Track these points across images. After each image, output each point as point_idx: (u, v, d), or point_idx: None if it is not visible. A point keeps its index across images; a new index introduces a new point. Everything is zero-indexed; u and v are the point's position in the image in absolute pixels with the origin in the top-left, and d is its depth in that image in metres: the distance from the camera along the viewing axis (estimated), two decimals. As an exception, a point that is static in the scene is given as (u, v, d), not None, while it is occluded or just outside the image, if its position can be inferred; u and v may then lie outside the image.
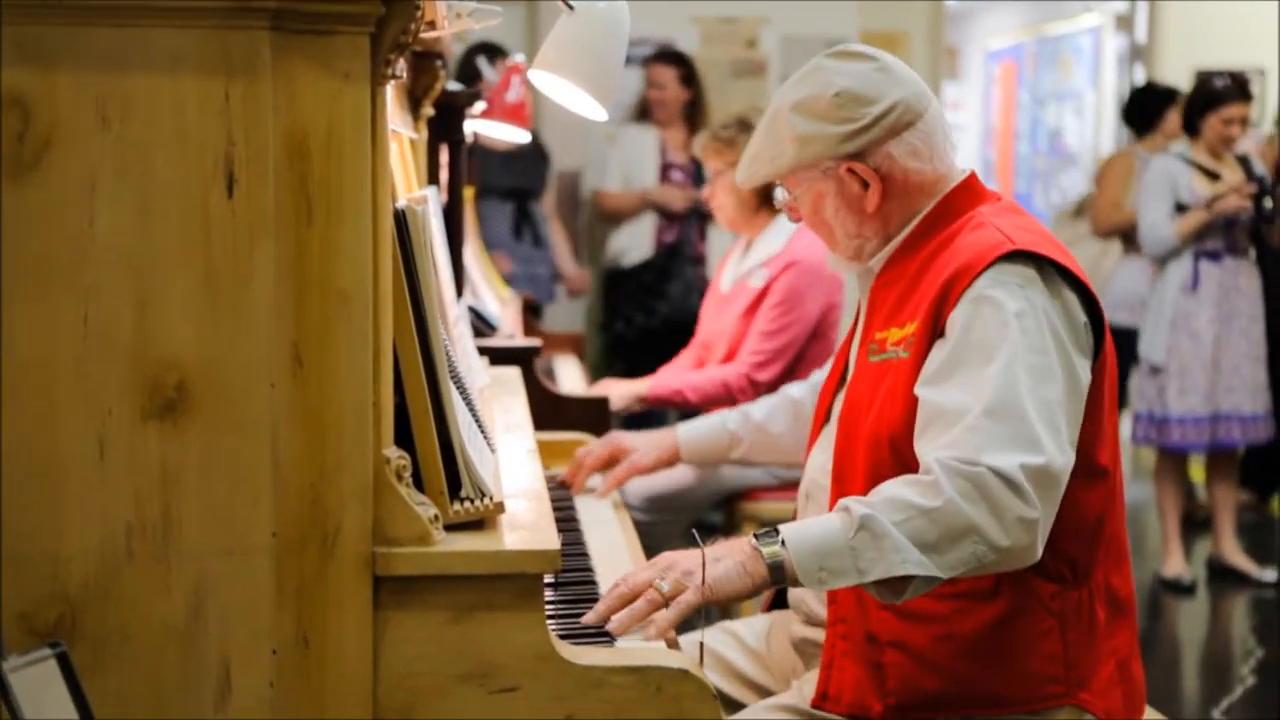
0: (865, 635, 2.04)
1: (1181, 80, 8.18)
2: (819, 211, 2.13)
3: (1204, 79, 5.71)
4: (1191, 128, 5.58)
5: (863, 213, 2.10)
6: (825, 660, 2.09)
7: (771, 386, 3.91)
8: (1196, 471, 6.25)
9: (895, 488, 1.86)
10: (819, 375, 2.58)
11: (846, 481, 2.04)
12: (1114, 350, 2.05)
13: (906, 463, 1.94)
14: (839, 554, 1.83)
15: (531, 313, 5.32)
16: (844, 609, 2.06)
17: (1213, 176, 5.49)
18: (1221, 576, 5.70)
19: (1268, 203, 5.43)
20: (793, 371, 3.94)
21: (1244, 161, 5.55)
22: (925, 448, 1.90)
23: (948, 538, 1.82)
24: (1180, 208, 5.50)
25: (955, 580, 1.89)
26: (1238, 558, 5.68)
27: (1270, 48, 7.80)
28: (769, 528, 1.88)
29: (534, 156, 5.82)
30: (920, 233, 2.10)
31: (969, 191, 2.12)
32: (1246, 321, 5.51)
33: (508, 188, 5.78)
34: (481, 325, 3.65)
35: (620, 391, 3.87)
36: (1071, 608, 2.03)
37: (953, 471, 1.83)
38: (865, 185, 2.08)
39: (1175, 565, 5.69)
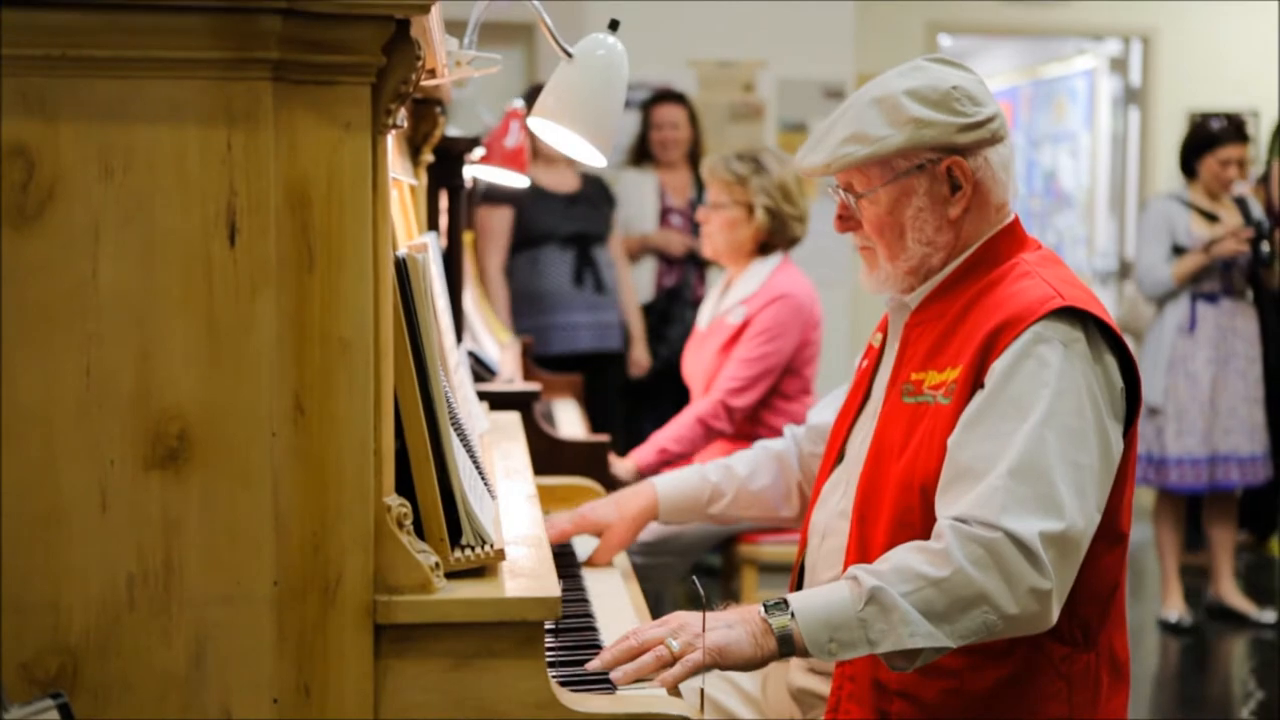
0: (873, 682, 2.04)
1: (1176, 122, 8.22)
2: (897, 211, 2.08)
3: (1200, 121, 5.73)
4: (1189, 169, 5.60)
5: (944, 218, 2.08)
6: (831, 704, 2.09)
7: (745, 414, 3.93)
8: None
9: (905, 555, 1.86)
10: (794, 429, 2.57)
11: (870, 522, 2.04)
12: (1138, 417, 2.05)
13: (934, 511, 1.95)
14: (848, 626, 1.83)
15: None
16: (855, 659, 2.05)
17: (1210, 218, 5.50)
18: (1221, 618, 5.69)
19: (1265, 246, 5.44)
20: (765, 402, 3.96)
21: (1241, 203, 5.57)
22: (945, 507, 1.90)
23: (957, 607, 1.83)
24: (1178, 249, 5.51)
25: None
26: (1236, 599, 5.67)
27: (1262, 90, 7.83)
28: (779, 600, 1.87)
29: (595, 200, 5.70)
30: (963, 273, 2.09)
31: (1013, 236, 2.12)
32: (1244, 363, 5.52)
33: (569, 234, 5.58)
34: (481, 370, 3.65)
35: (620, 471, 3.84)
36: (1080, 671, 2.03)
37: (966, 537, 1.83)
38: (954, 189, 2.07)
39: (1175, 607, 5.68)
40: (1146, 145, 8.41)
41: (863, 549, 2.05)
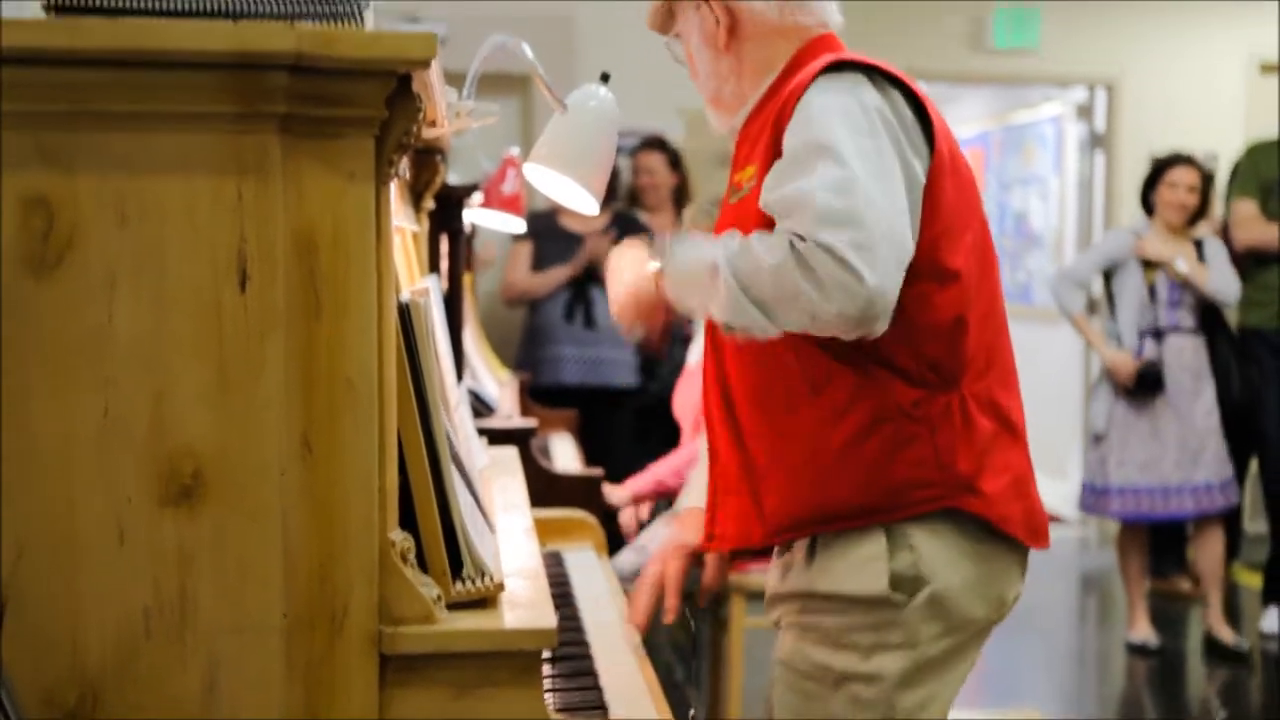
0: (743, 466, 2.03)
1: (1139, 166, 8.24)
2: (692, 50, 2.17)
3: (1154, 160, 5.79)
4: (1148, 206, 5.62)
5: (716, 49, 2.13)
6: (709, 504, 2.09)
7: None
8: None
9: (752, 241, 1.87)
10: None
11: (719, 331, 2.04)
12: (956, 158, 2.00)
13: None
14: (698, 290, 1.90)
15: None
16: (720, 447, 2.07)
17: (1152, 267, 5.54)
18: (1210, 649, 5.65)
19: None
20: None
21: (1199, 245, 5.58)
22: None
23: (782, 298, 1.82)
24: (1109, 274, 5.60)
25: (818, 397, 1.94)
26: (1222, 630, 5.63)
27: (1221, 134, 7.87)
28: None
29: (620, 238, 5.77)
30: (775, 86, 2.08)
31: (827, 45, 2.10)
32: (1190, 397, 5.50)
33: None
34: (481, 406, 3.65)
35: (615, 499, 3.84)
36: (940, 412, 1.97)
37: (790, 242, 1.82)
38: (719, 22, 2.11)
39: (1141, 630, 5.67)
40: (1111, 188, 8.43)
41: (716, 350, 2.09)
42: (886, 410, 1.95)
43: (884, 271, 1.79)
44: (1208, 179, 5.61)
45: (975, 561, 1.99)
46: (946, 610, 1.97)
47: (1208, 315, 5.59)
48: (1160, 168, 5.60)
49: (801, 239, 1.80)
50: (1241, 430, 5.70)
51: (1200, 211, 5.58)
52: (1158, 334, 5.51)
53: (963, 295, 1.98)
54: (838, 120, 1.89)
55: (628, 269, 2.07)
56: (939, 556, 1.97)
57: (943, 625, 1.98)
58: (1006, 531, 2.00)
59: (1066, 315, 5.68)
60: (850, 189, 1.82)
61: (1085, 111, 8.69)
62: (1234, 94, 8.28)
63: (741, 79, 2.13)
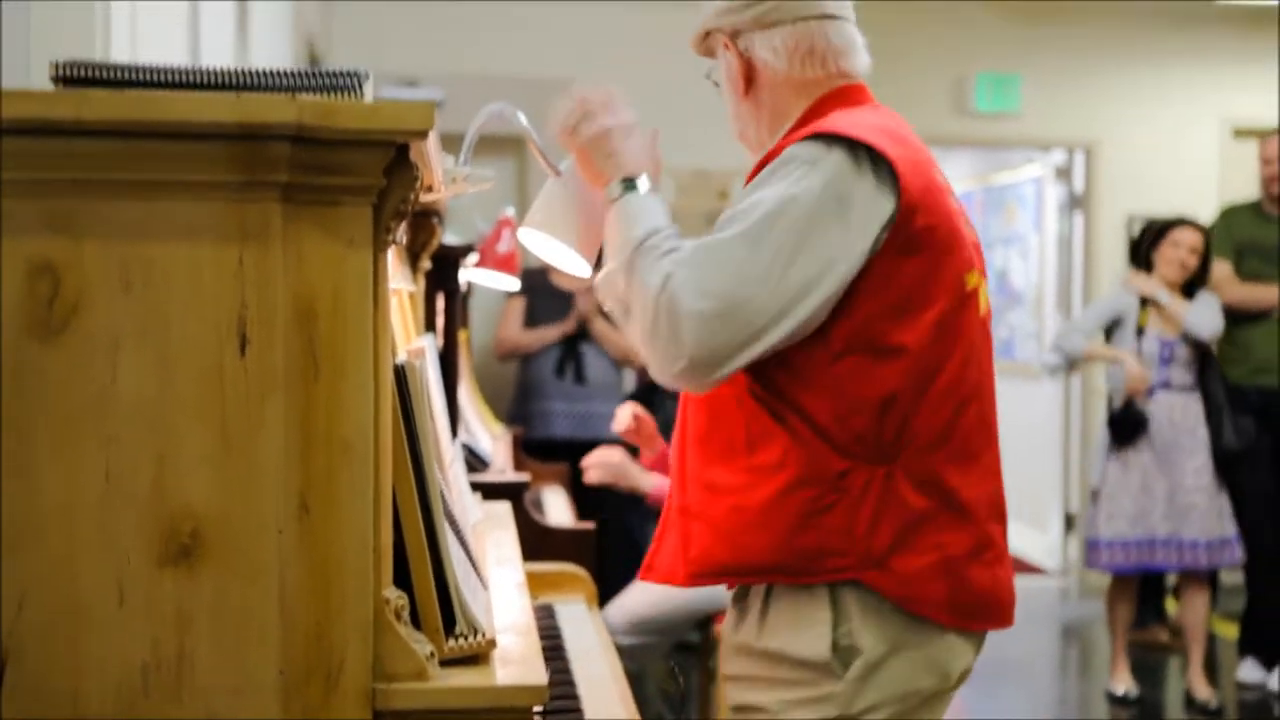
0: (679, 509, 2.04)
1: (1116, 226, 8.29)
2: (723, 88, 2.20)
3: (1151, 221, 5.80)
4: (1148, 264, 5.62)
5: (738, 94, 2.16)
6: (656, 535, 2.10)
7: None
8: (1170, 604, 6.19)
9: (659, 253, 1.94)
10: None
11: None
12: (933, 232, 1.97)
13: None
14: (613, 237, 2.03)
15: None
16: (672, 484, 2.09)
17: (1154, 303, 5.53)
18: (1193, 707, 5.62)
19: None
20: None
21: (1190, 292, 5.58)
22: None
23: (633, 315, 1.94)
24: (1109, 331, 5.59)
25: (752, 452, 1.94)
26: (1200, 689, 5.60)
27: (1196, 196, 7.90)
28: (629, 181, 2.07)
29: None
30: (786, 137, 2.08)
31: (842, 98, 2.11)
32: (1184, 453, 5.49)
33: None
34: (475, 460, 3.65)
35: (628, 474, 3.83)
36: (864, 485, 1.94)
37: (664, 279, 1.89)
38: (738, 70, 2.14)
39: (1122, 680, 5.65)
40: (1090, 247, 8.47)
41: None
42: (812, 476, 1.94)
43: (712, 350, 1.86)
44: (1209, 245, 5.61)
45: (910, 634, 1.96)
46: (881, 681, 1.95)
47: (1203, 372, 5.56)
48: (1164, 228, 5.62)
49: (669, 280, 1.88)
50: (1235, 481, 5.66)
51: (1200, 276, 5.57)
52: (1148, 390, 5.51)
53: (904, 372, 1.95)
54: (785, 193, 1.91)
55: (607, 151, 2.11)
56: (872, 627, 1.95)
57: (878, 696, 1.95)
58: (914, 612, 1.96)
59: (1073, 357, 5.65)
60: (740, 268, 1.87)
61: (1064, 173, 8.74)
62: (1207, 158, 8.34)
63: (761, 126, 2.15)
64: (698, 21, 2.18)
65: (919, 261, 1.96)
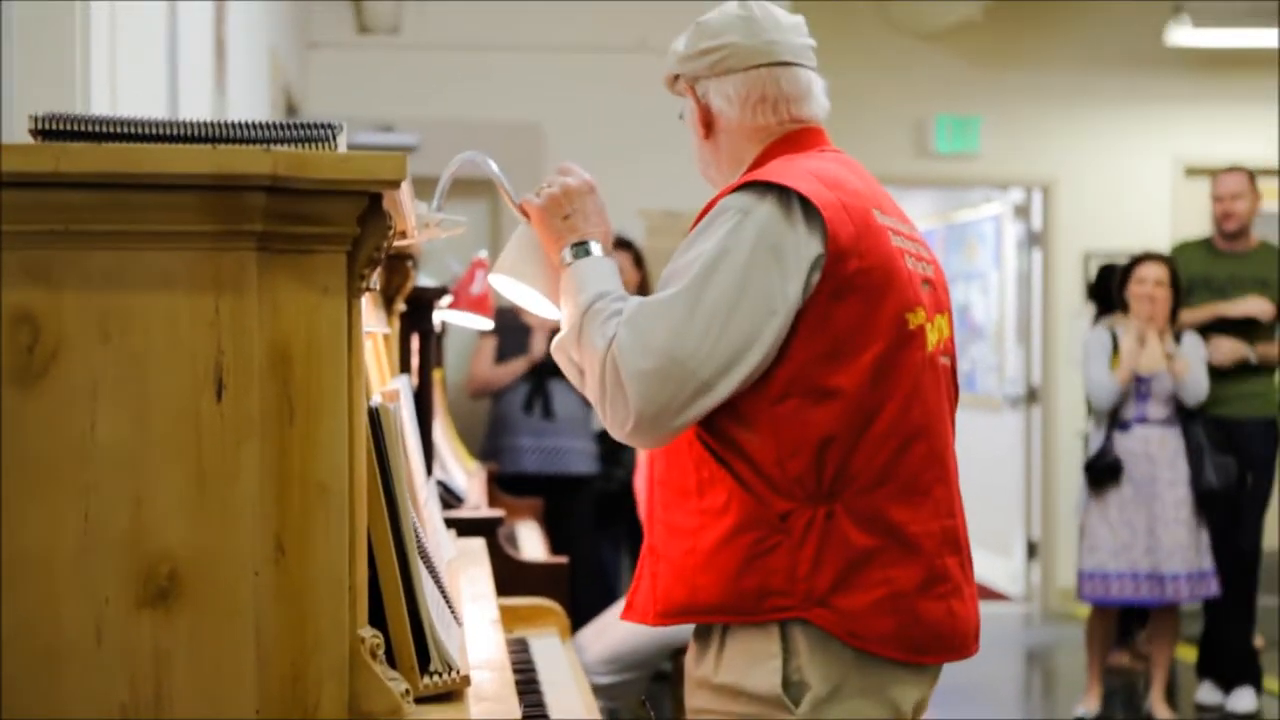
0: (649, 549, 2.06)
1: (1073, 262, 8.34)
2: (690, 127, 2.20)
3: (1104, 266, 5.80)
4: (1122, 304, 5.62)
5: (700, 136, 2.17)
6: (636, 574, 2.12)
7: None
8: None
9: (606, 316, 1.98)
10: None
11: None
12: (869, 274, 1.97)
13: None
14: (568, 300, 2.06)
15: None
16: (645, 529, 2.10)
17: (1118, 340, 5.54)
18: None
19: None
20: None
21: (1177, 335, 5.58)
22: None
23: (587, 377, 1.99)
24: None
25: (702, 496, 1.96)
26: (1162, 712, 5.61)
27: (1152, 234, 7.96)
28: (582, 245, 2.10)
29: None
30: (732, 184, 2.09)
31: (791, 143, 2.12)
32: (1164, 486, 5.47)
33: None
34: (450, 497, 3.63)
35: None
36: (805, 525, 1.94)
37: (609, 341, 1.94)
38: (697, 114, 2.15)
39: (1086, 703, 5.66)
40: (1048, 283, 8.52)
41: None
42: (755, 518, 1.95)
43: (659, 407, 1.89)
44: (1176, 274, 5.60)
45: (857, 670, 1.96)
46: (831, 717, 1.95)
47: (1182, 409, 5.55)
48: (1129, 266, 5.63)
49: (614, 342, 1.92)
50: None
51: (1177, 305, 5.55)
52: (1123, 425, 5.51)
53: (840, 414, 1.95)
54: (720, 246, 1.94)
55: (561, 215, 2.13)
56: (819, 664, 1.95)
57: None
58: (861, 648, 1.95)
59: (1116, 397, 5.49)
60: (680, 325, 1.91)
61: (1023, 211, 8.79)
62: (1160, 196, 8.40)
63: (721, 168, 2.17)
64: (666, 65, 2.20)
65: (853, 305, 1.96)
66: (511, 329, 5.81)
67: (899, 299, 2.00)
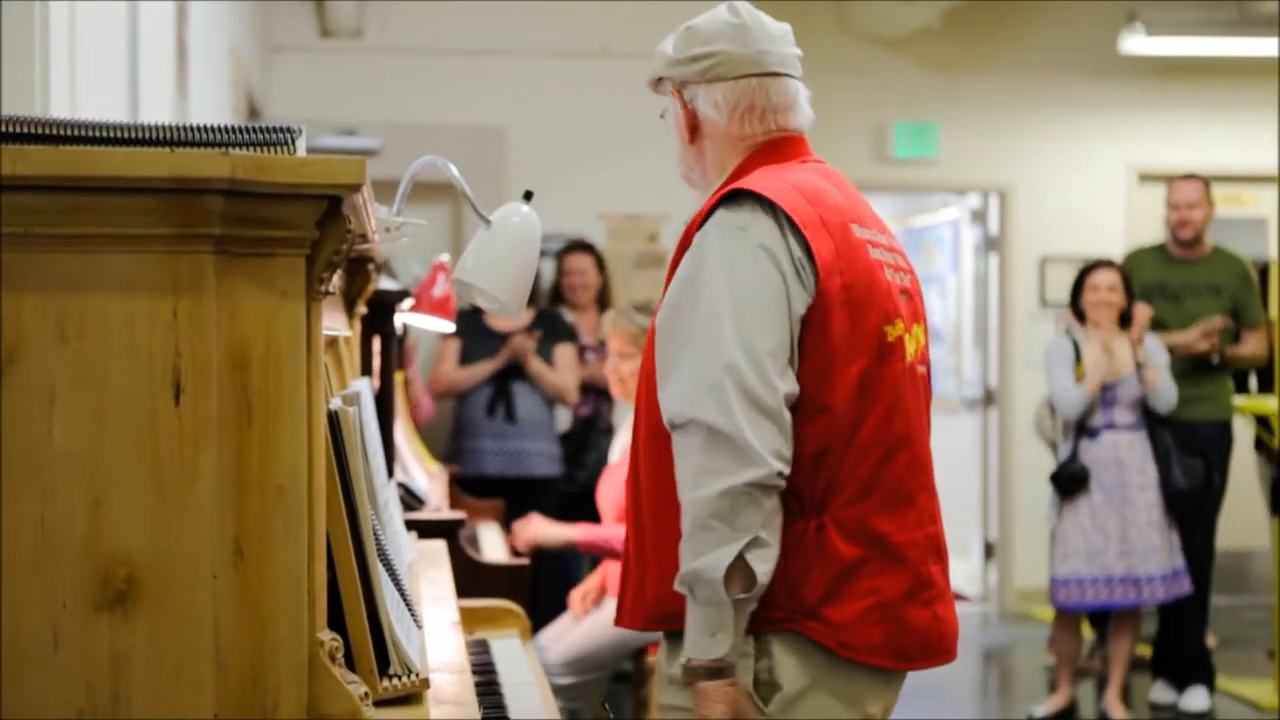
0: (638, 556, 2.06)
1: (1030, 267, 8.39)
2: (672, 130, 2.18)
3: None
4: (1079, 313, 5.63)
5: (684, 142, 2.15)
6: (620, 579, 2.12)
7: None
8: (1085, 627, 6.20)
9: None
10: None
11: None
12: (854, 289, 1.98)
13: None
14: (697, 631, 1.91)
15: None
16: (629, 532, 2.09)
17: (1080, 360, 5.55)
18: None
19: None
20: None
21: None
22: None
23: (698, 529, 1.90)
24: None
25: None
26: (1118, 712, 5.63)
27: (1106, 238, 8.01)
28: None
29: (542, 334, 5.86)
30: (722, 187, 2.09)
31: (772, 152, 2.12)
32: (1135, 490, 5.48)
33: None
34: (411, 499, 3.62)
35: (552, 534, 3.84)
36: (796, 538, 1.95)
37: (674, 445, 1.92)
38: (684, 118, 2.14)
39: (1044, 703, 5.68)
40: (1004, 286, 8.56)
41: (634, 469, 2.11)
42: None
43: (745, 422, 1.88)
44: (1128, 280, 5.62)
45: (830, 675, 1.97)
46: (799, 716, 1.96)
47: (1148, 413, 5.55)
48: (1082, 275, 5.64)
49: (682, 421, 1.91)
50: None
51: (1129, 310, 5.57)
52: (1092, 433, 5.52)
53: (828, 429, 1.97)
54: (721, 267, 1.94)
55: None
56: (792, 668, 1.96)
57: None
58: (851, 658, 1.96)
59: (1084, 406, 5.48)
60: (717, 353, 1.89)
61: (980, 216, 8.83)
62: (1115, 201, 8.45)
63: (705, 173, 2.16)
64: (652, 66, 2.19)
65: (840, 320, 1.97)
66: (476, 331, 5.80)
67: (879, 312, 2.02)
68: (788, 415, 1.91)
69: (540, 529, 3.94)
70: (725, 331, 1.91)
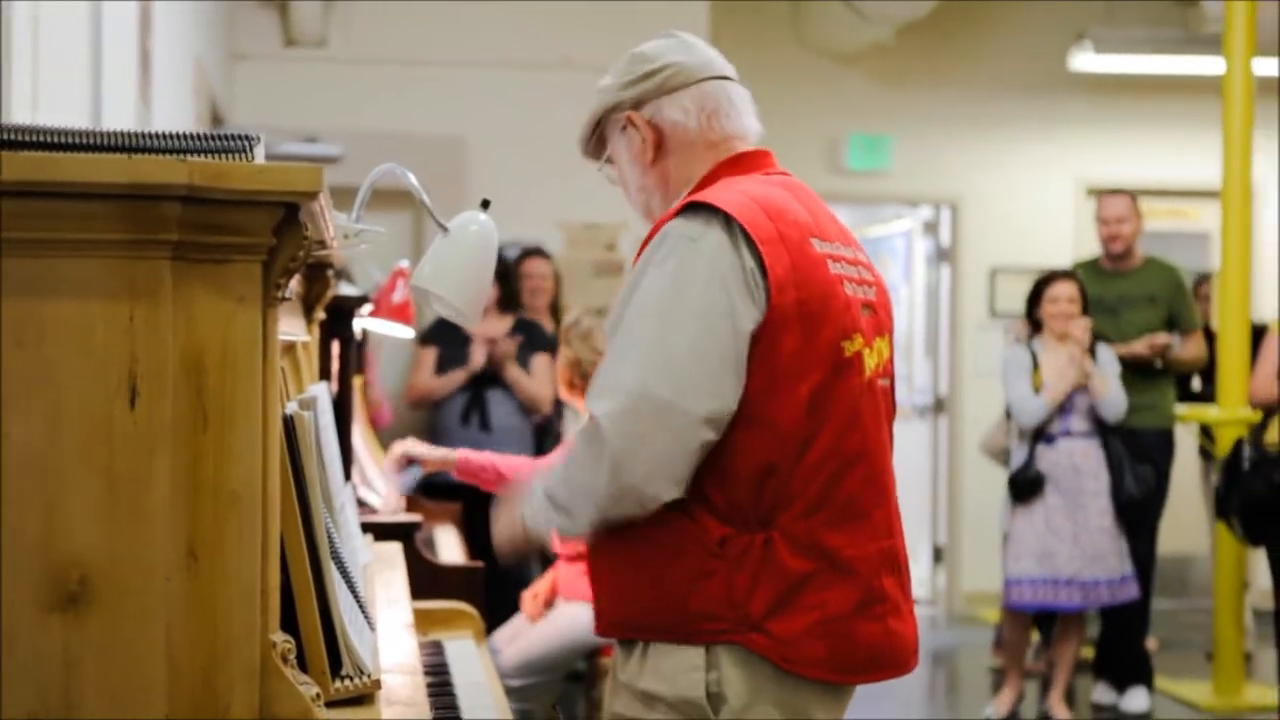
0: (593, 566, 2.09)
1: (980, 277, 8.43)
2: (622, 168, 2.17)
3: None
4: (1035, 323, 5.66)
5: (645, 165, 2.13)
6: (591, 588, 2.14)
7: None
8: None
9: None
10: None
11: None
12: (808, 304, 1.96)
13: None
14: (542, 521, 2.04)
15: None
16: (588, 550, 2.11)
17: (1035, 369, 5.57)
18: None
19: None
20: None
21: (1093, 352, 5.60)
22: None
23: (573, 497, 1.97)
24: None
25: (649, 519, 1.94)
26: (1061, 712, 5.66)
27: (1054, 250, 8.06)
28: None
29: (521, 343, 5.85)
30: (686, 198, 2.08)
31: (732, 166, 2.11)
32: (1089, 496, 5.51)
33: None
34: (363, 509, 3.60)
35: (433, 454, 3.84)
36: (742, 551, 1.94)
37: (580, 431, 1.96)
38: (644, 139, 2.12)
39: (996, 704, 5.71)
40: (956, 296, 8.61)
41: None
42: (694, 544, 1.95)
43: (637, 446, 1.89)
44: (1084, 291, 5.65)
45: (776, 688, 1.96)
46: None
47: (1101, 421, 5.57)
48: (1039, 285, 5.66)
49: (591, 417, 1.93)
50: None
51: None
52: (1049, 439, 5.54)
53: (775, 445, 1.95)
54: (662, 279, 1.94)
55: (504, 521, 2.18)
56: (738, 681, 1.95)
57: None
58: (793, 672, 1.96)
59: (1043, 417, 5.49)
60: (636, 367, 1.91)
61: (932, 228, 8.88)
62: (1063, 214, 8.52)
63: (667, 192, 2.14)
64: (594, 108, 2.17)
65: (792, 335, 1.95)
66: (451, 340, 5.77)
67: (835, 328, 2.00)
68: (701, 435, 1.90)
69: (414, 445, 3.91)
70: (647, 345, 1.91)
